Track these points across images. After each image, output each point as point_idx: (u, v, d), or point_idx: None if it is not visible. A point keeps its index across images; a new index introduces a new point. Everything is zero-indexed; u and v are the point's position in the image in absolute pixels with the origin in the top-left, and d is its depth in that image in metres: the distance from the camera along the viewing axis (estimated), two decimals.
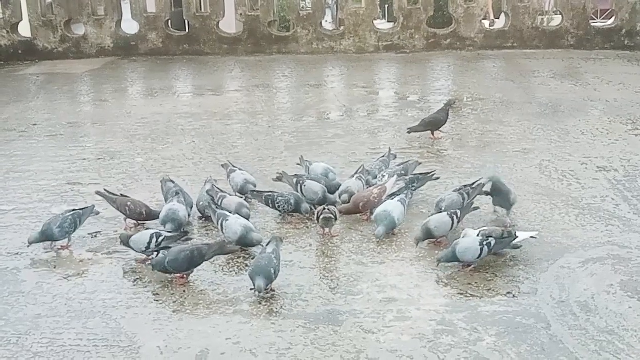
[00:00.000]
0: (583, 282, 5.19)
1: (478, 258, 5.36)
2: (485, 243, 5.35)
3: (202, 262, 5.33)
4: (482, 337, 4.56)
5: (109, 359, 4.46)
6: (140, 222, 6.35)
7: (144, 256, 5.62)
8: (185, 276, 5.32)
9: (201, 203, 6.40)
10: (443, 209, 6.07)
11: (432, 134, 8.63)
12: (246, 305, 4.99)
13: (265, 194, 6.55)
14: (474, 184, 6.41)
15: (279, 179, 6.92)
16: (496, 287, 5.15)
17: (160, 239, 5.60)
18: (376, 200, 6.22)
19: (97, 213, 6.31)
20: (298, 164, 7.22)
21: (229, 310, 4.94)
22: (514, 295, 5.01)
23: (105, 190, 6.56)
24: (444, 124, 8.70)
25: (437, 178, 6.90)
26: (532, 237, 5.63)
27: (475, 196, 6.31)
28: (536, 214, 6.38)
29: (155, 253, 5.52)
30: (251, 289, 5.03)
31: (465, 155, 8.02)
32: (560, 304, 4.91)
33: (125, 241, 5.58)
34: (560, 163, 7.73)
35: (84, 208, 6.19)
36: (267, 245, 5.32)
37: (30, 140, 9.34)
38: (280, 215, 6.46)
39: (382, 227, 5.84)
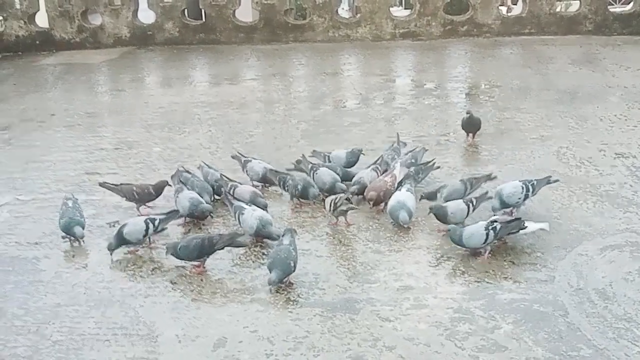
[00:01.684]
0: (601, 270, 5.17)
1: (484, 243, 5.35)
2: (490, 228, 5.34)
3: (212, 252, 5.35)
4: (500, 324, 4.56)
5: (128, 347, 4.50)
6: (150, 202, 6.43)
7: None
8: (201, 265, 5.35)
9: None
10: (444, 197, 6.09)
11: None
12: (263, 293, 5.01)
13: (280, 174, 6.63)
14: (480, 177, 6.48)
15: (297, 163, 6.96)
16: (513, 275, 5.14)
17: (157, 222, 5.69)
18: (392, 188, 6.22)
19: (77, 199, 6.25)
20: (311, 156, 7.17)
21: (247, 298, 4.97)
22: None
23: (105, 182, 6.66)
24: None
25: (438, 167, 6.88)
26: (541, 228, 5.58)
27: (479, 186, 6.34)
28: (554, 201, 6.35)
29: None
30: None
31: (482, 143, 7.99)
32: (577, 291, 4.90)
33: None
34: (578, 150, 7.68)
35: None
36: (282, 236, 5.33)
37: (49, 131, 9.39)
38: (297, 203, 6.47)
39: (404, 213, 5.82)
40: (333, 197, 6.09)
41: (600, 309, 4.69)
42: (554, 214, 6.10)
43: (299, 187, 6.40)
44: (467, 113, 8.11)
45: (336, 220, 6.06)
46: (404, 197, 5.98)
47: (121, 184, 6.57)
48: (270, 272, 5.01)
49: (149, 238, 5.72)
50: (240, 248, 5.56)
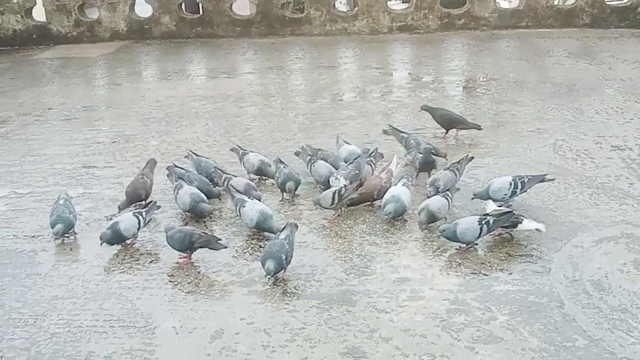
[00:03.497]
0: (596, 261, 5.20)
1: (478, 237, 5.37)
2: (484, 222, 5.36)
3: (191, 248, 5.39)
4: (495, 315, 4.58)
5: (125, 339, 4.52)
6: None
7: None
8: (188, 256, 5.40)
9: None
10: (441, 188, 6.09)
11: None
12: (260, 286, 5.03)
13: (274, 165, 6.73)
14: (460, 160, 6.51)
15: (296, 155, 7.01)
16: (509, 267, 5.17)
17: (144, 215, 5.76)
18: (388, 185, 6.22)
19: (159, 207, 6.20)
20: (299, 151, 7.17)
21: (243, 291, 4.99)
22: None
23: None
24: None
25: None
26: (537, 229, 5.55)
27: (464, 168, 6.49)
28: (550, 193, 6.37)
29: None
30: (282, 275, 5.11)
31: (479, 135, 8.00)
32: (573, 282, 4.93)
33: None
34: (575, 142, 7.70)
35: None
36: (281, 230, 5.34)
37: (46, 124, 9.39)
38: (294, 196, 6.49)
39: (392, 205, 5.84)
40: (333, 189, 6.09)
41: (596, 300, 4.71)
42: (550, 206, 6.12)
43: (279, 181, 6.46)
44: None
45: (340, 211, 6.07)
46: (398, 191, 5.99)
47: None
48: (263, 266, 5.01)
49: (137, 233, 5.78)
50: (239, 239, 5.58)
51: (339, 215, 6.08)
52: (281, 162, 6.68)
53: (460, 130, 7.98)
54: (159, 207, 6.09)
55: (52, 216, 5.91)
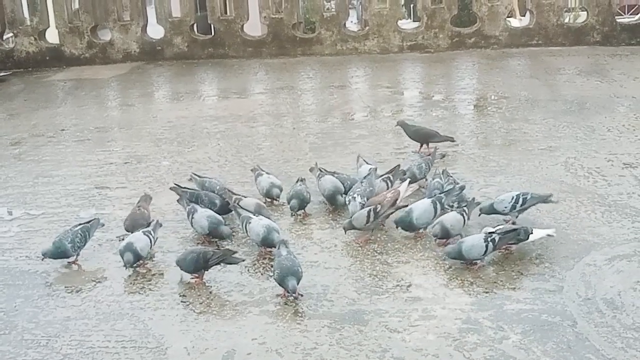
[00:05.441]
0: (609, 279, 5.17)
1: (484, 255, 5.36)
2: (489, 239, 5.35)
3: (207, 266, 5.36)
4: (508, 335, 4.56)
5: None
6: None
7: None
8: (200, 277, 5.39)
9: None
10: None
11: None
12: (272, 305, 5.03)
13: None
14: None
15: (311, 170, 7.03)
16: (521, 285, 5.15)
17: (153, 233, 5.77)
18: (390, 205, 6.11)
19: (103, 225, 6.23)
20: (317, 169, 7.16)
21: (255, 310, 4.98)
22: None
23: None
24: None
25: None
26: (549, 234, 5.58)
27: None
28: (562, 211, 6.35)
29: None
30: (283, 294, 5.08)
31: (490, 154, 8.00)
32: (586, 301, 4.90)
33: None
34: (586, 160, 7.68)
35: (90, 220, 6.10)
36: (278, 249, 5.32)
37: (59, 145, 9.45)
38: (296, 214, 6.51)
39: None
40: (368, 208, 5.93)
41: (609, 318, 4.68)
42: (562, 224, 6.10)
43: (287, 197, 6.55)
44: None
45: (372, 232, 5.98)
46: (416, 206, 5.97)
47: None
48: (282, 283, 5.01)
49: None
50: (250, 258, 5.61)
51: (370, 238, 5.97)
52: (301, 180, 6.70)
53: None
54: (160, 225, 6.05)
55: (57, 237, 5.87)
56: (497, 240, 5.36)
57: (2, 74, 15.27)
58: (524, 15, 21.26)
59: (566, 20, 15.77)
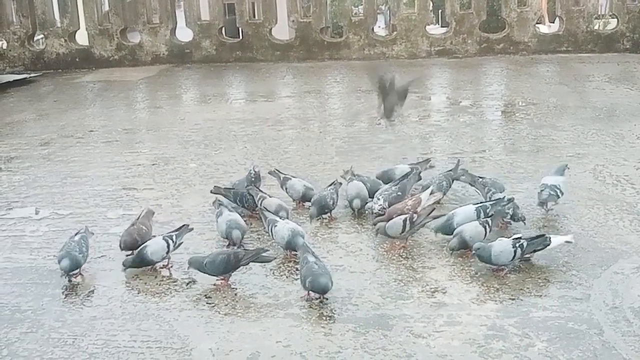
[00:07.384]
0: (637, 288, 5.11)
1: (512, 260, 5.33)
2: (518, 245, 5.32)
3: (237, 267, 5.37)
4: (534, 342, 4.52)
5: None
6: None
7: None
8: (226, 279, 5.40)
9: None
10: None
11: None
12: (297, 308, 5.03)
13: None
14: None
15: (345, 173, 7.01)
16: (548, 293, 5.11)
17: (174, 238, 5.74)
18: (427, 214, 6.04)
19: (92, 234, 6.10)
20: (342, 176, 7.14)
21: (280, 313, 4.99)
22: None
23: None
24: None
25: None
26: (567, 241, 5.53)
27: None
28: (590, 219, 6.30)
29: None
30: (317, 297, 5.09)
31: (517, 160, 7.96)
32: (613, 309, 4.85)
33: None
34: (615, 168, 7.62)
35: (80, 231, 5.95)
36: (303, 254, 5.29)
37: (87, 147, 9.54)
38: (328, 219, 6.51)
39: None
40: (403, 216, 5.84)
41: (636, 327, 4.63)
42: (590, 232, 6.05)
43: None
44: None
45: (406, 241, 5.93)
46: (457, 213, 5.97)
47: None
48: (320, 288, 5.01)
49: (169, 256, 5.74)
50: (276, 261, 5.62)
51: (404, 246, 5.93)
52: (333, 184, 6.71)
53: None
54: (191, 229, 6.04)
55: (61, 251, 5.69)
56: (525, 246, 5.33)
57: (32, 75, 15.45)
58: (553, 22, 21.16)
59: (596, 27, 15.65)
